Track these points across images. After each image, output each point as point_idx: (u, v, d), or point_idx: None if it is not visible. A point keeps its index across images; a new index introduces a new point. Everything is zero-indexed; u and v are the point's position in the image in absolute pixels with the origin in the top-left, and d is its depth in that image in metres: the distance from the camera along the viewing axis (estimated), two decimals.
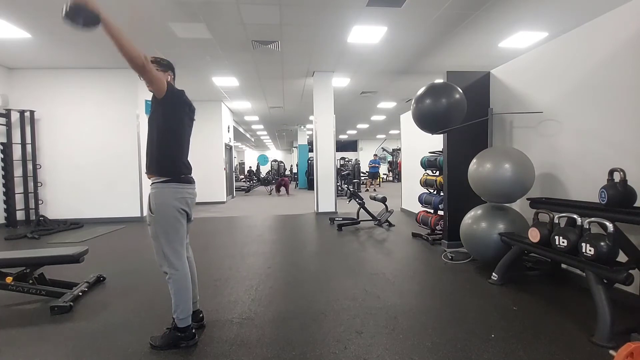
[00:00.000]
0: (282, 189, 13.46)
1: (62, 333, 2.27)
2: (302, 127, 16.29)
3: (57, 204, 6.83)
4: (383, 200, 6.02)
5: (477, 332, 2.19)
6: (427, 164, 5.07)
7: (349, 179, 13.58)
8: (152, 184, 2.04)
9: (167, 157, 2.04)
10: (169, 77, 2.15)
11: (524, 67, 3.85)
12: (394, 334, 2.19)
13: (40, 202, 6.71)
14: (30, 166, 6.59)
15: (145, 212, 2.05)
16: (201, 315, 2.32)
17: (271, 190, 14.03)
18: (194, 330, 2.10)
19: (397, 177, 17.23)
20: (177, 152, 2.08)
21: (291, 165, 24.26)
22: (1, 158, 6.32)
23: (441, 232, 4.67)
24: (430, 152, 5.07)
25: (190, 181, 2.13)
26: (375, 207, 6.45)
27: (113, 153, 6.97)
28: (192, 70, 7.17)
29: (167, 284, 2.06)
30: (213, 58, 6.41)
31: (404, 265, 3.72)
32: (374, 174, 15.69)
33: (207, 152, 10.20)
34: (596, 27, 2.93)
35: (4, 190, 6.35)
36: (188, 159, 2.16)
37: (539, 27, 5.25)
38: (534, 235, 2.76)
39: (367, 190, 14.29)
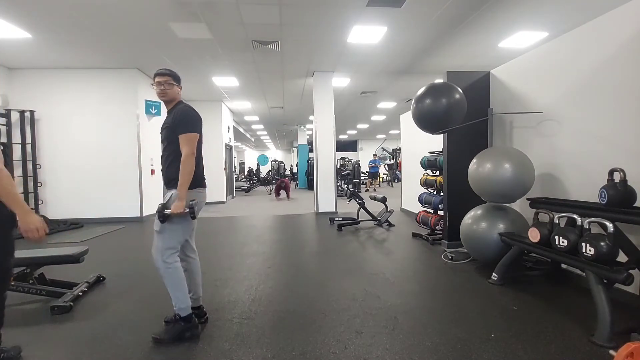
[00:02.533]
0: (282, 192, 12.06)
1: (62, 333, 2.28)
2: (302, 127, 16.28)
3: (57, 204, 6.82)
4: (383, 200, 6.02)
5: (477, 332, 2.19)
6: (427, 164, 5.07)
7: (349, 179, 13.58)
8: (172, 187, 2.15)
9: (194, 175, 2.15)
10: (179, 90, 2.28)
11: (524, 67, 3.86)
12: (394, 334, 2.19)
13: (40, 202, 6.70)
14: (30, 166, 6.59)
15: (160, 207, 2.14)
16: (205, 309, 2.41)
17: (271, 191, 13.99)
18: (196, 319, 2.18)
19: (397, 178, 16.81)
20: (198, 167, 2.22)
21: (291, 165, 24.26)
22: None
23: (441, 232, 4.67)
24: (430, 152, 5.07)
25: (205, 185, 2.34)
26: (375, 207, 6.45)
27: (113, 153, 6.97)
28: (192, 70, 7.17)
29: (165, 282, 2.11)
30: (213, 58, 6.41)
31: (404, 265, 3.72)
32: (374, 174, 15.70)
33: (207, 152, 10.07)
34: (596, 27, 2.93)
35: None
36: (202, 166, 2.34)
37: (539, 27, 5.25)
38: (534, 235, 2.76)
39: (367, 190, 14.30)
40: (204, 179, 2.34)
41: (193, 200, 2.12)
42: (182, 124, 2.11)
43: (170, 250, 2.13)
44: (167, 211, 2.07)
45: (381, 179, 17.58)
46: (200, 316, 2.35)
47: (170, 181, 2.17)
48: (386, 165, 18.80)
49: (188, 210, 2.08)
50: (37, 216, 1.63)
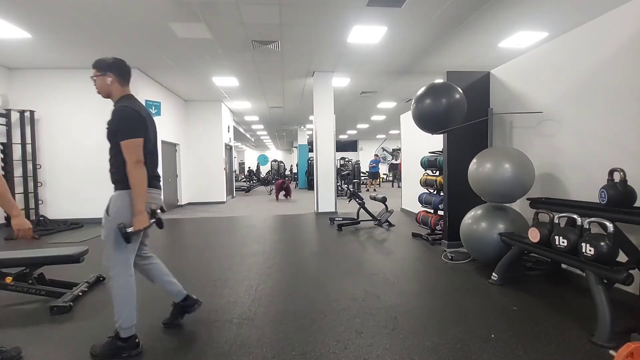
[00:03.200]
0: (283, 192, 11.73)
1: (62, 333, 2.28)
2: (302, 127, 16.29)
3: (57, 204, 6.82)
4: (383, 200, 6.01)
5: (477, 332, 2.18)
6: (427, 164, 5.07)
7: (349, 179, 13.59)
8: (116, 189, 2.00)
9: None
10: (109, 79, 1.98)
11: (524, 67, 3.85)
12: (394, 334, 2.19)
13: (40, 202, 6.70)
14: (30, 166, 6.59)
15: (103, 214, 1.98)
16: (194, 296, 2.34)
17: (271, 191, 13.96)
18: (137, 340, 2.01)
19: (398, 178, 16.43)
20: (148, 167, 1.99)
21: (291, 165, 24.27)
22: (1, 158, 6.32)
23: (441, 232, 4.67)
24: (430, 152, 5.07)
25: (155, 186, 2.09)
26: (376, 207, 6.45)
27: None
28: (192, 70, 7.17)
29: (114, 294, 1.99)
30: (213, 58, 6.41)
31: (404, 265, 3.72)
32: (374, 174, 15.72)
33: (207, 152, 10.21)
34: (596, 27, 2.93)
35: None
36: (155, 166, 2.12)
37: (539, 27, 5.25)
38: (534, 235, 2.76)
39: (368, 190, 14.31)
40: (157, 179, 2.13)
41: (155, 208, 1.94)
42: (119, 129, 1.89)
43: (123, 259, 1.97)
44: (130, 229, 1.85)
45: (381, 179, 17.58)
46: (189, 305, 2.31)
47: (115, 183, 1.98)
48: (390, 164, 18.78)
49: (154, 221, 1.90)
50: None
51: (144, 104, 7.10)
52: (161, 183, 2.22)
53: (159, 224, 1.94)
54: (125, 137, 1.87)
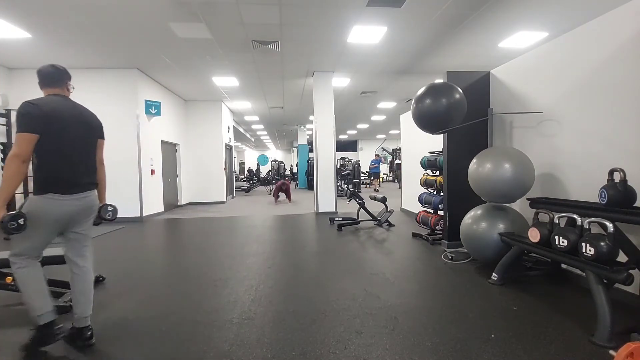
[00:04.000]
0: (282, 194, 11.06)
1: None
2: (302, 127, 16.29)
3: None
4: (383, 200, 6.01)
5: (477, 332, 2.18)
6: (427, 164, 5.07)
7: (349, 179, 13.58)
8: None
9: (42, 177, 2.00)
10: (41, 87, 2.11)
11: (524, 67, 3.86)
12: (394, 334, 2.19)
13: None
14: (30, 166, 6.57)
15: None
16: (89, 333, 2.10)
17: (271, 191, 13.92)
18: (51, 331, 1.99)
19: (398, 177, 16.55)
20: (53, 171, 2.00)
21: (291, 165, 24.27)
22: (1, 158, 6.32)
23: (441, 232, 4.67)
24: (430, 152, 5.07)
25: (69, 191, 2.02)
26: (376, 207, 6.45)
27: (112, 153, 6.94)
28: (192, 70, 7.17)
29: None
30: (213, 58, 6.41)
31: (404, 265, 3.72)
32: (375, 174, 15.76)
33: (207, 152, 10.21)
34: (596, 27, 2.93)
35: None
36: (74, 170, 2.07)
37: (539, 27, 5.25)
38: (534, 235, 2.75)
39: (375, 189, 14.29)
40: (72, 184, 2.04)
41: (16, 213, 1.81)
42: (16, 123, 1.95)
43: (20, 256, 1.99)
44: None
45: (381, 179, 17.60)
46: (83, 338, 2.07)
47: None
48: (394, 164, 18.76)
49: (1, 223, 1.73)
50: None
51: (143, 104, 7.15)
52: (86, 191, 2.14)
53: (4, 227, 1.75)
54: (17, 130, 1.92)
